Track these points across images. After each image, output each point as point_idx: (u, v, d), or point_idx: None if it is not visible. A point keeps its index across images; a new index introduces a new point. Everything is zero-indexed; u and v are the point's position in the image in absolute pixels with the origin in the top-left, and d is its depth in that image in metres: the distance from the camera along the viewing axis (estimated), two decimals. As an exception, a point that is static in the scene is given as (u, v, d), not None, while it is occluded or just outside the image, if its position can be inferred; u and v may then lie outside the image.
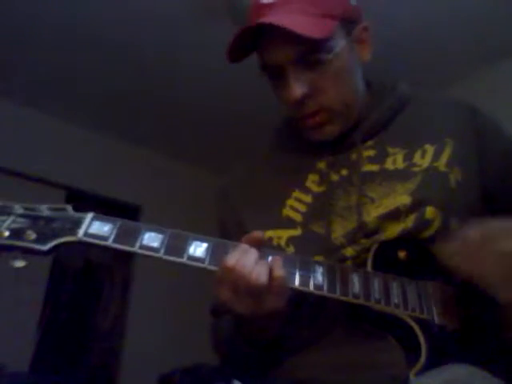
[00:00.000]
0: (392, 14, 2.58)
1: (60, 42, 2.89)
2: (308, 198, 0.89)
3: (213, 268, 0.70)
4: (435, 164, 0.88)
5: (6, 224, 0.62)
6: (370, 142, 0.92)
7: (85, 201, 3.46)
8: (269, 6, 0.84)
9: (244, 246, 0.71)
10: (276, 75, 0.87)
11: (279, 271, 0.69)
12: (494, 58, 2.87)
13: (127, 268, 3.62)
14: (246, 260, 0.68)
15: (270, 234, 0.88)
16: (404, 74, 2.52)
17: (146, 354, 3.24)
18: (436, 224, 0.82)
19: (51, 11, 2.67)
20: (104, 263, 3.64)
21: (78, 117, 3.54)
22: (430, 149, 0.90)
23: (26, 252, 0.62)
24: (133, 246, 0.68)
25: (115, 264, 3.66)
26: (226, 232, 0.97)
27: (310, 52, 0.83)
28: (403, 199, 0.84)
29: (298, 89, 0.84)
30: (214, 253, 0.70)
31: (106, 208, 3.47)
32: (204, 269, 0.70)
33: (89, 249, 3.58)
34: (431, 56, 2.89)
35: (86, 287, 3.37)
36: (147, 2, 2.62)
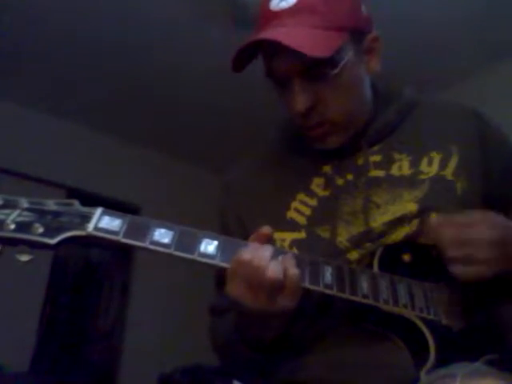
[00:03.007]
0: (391, 14, 2.58)
1: (60, 43, 2.89)
2: (313, 202, 0.89)
3: (224, 265, 0.69)
4: (442, 172, 0.88)
5: (11, 217, 0.61)
6: (375, 147, 0.91)
7: (85, 201, 3.44)
8: (277, 14, 0.81)
9: (257, 244, 0.71)
10: (281, 83, 0.86)
11: (294, 269, 0.69)
12: (494, 58, 2.87)
13: (127, 268, 3.61)
14: (263, 254, 0.68)
15: (273, 235, 0.88)
16: (404, 75, 2.52)
17: (146, 353, 3.23)
18: None
19: (51, 11, 2.66)
20: (104, 263, 3.64)
21: (79, 117, 3.53)
22: (436, 157, 0.90)
23: (33, 246, 0.61)
24: (143, 241, 0.67)
25: (115, 264, 3.66)
26: (226, 227, 0.97)
27: (316, 66, 0.81)
28: (410, 207, 0.84)
29: (302, 101, 0.82)
30: (225, 250, 0.70)
31: (105, 208, 3.45)
32: (211, 267, 0.70)
33: (89, 249, 3.58)
34: (431, 56, 2.89)
35: (85, 287, 3.37)
36: (147, 3, 2.62)
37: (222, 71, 3.29)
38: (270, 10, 0.83)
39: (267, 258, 0.67)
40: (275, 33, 0.79)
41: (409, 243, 0.82)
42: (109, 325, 3.48)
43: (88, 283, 3.41)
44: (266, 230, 0.73)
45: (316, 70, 0.81)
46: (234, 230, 0.94)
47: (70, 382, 3.11)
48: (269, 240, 0.73)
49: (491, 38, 2.73)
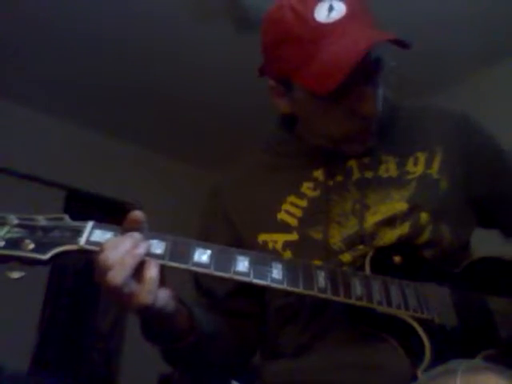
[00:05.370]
0: (391, 14, 2.57)
1: (60, 42, 2.89)
2: (303, 203, 0.90)
3: (219, 274, 0.69)
4: (428, 171, 0.90)
5: (1, 234, 0.60)
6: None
7: (84, 201, 3.45)
8: (336, 23, 0.80)
9: (114, 242, 0.65)
10: (342, 95, 0.82)
11: (150, 272, 0.65)
12: (493, 58, 2.86)
13: (127, 268, 3.61)
14: (111, 254, 0.64)
15: (264, 237, 0.89)
16: (404, 75, 2.52)
17: (146, 353, 3.22)
18: (428, 229, 0.85)
19: (51, 11, 2.66)
20: (104, 263, 3.63)
21: (78, 117, 3.53)
22: (421, 156, 0.92)
23: (25, 262, 0.61)
24: None
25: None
26: (209, 230, 0.97)
27: (379, 66, 0.83)
28: (400, 206, 0.86)
29: (375, 103, 0.83)
30: (219, 259, 0.70)
31: (105, 208, 3.46)
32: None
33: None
34: (431, 56, 2.88)
35: (85, 287, 3.37)
36: (148, 2, 2.61)
37: (222, 71, 3.28)
38: (321, 23, 0.80)
39: (113, 260, 0.63)
40: (368, 35, 0.80)
41: (399, 245, 0.84)
42: (109, 325, 3.48)
43: (88, 284, 3.40)
44: (134, 215, 0.68)
45: (378, 69, 0.83)
46: (220, 232, 0.94)
47: (70, 383, 3.12)
48: (138, 224, 0.68)
49: (489, 38, 2.72)
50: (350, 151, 0.90)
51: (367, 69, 0.81)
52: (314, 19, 0.81)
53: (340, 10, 0.80)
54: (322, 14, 0.80)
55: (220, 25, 2.61)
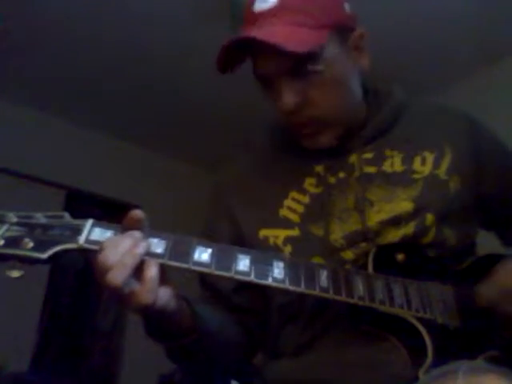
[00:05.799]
0: (391, 14, 2.57)
1: (60, 42, 2.89)
2: (305, 199, 0.89)
3: (219, 273, 0.68)
4: (436, 172, 0.89)
5: (0, 232, 0.60)
6: (368, 147, 0.92)
7: (84, 201, 3.45)
8: (259, 15, 0.81)
9: (113, 241, 0.65)
10: (268, 84, 0.85)
11: (151, 272, 0.65)
12: (494, 58, 2.86)
13: (127, 268, 3.61)
14: (110, 255, 0.63)
15: (265, 232, 0.89)
16: (404, 75, 2.52)
17: (146, 354, 3.22)
18: (432, 231, 0.84)
19: (51, 11, 2.66)
20: (104, 263, 3.63)
21: (78, 117, 3.53)
22: (429, 156, 0.90)
23: (24, 261, 0.60)
24: None
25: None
26: (213, 227, 0.97)
27: (301, 63, 0.80)
28: (406, 205, 0.85)
29: (289, 100, 0.82)
30: (219, 258, 0.69)
31: (105, 208, 3.46)
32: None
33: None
34: (431, 56, 2.88)
35: (86, 287, 3.37)
36: (148, 2, 2.61)
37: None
38: (252, 12, 0.83)
39: (112, 261, 0.62)
40: (254, 32, 0.80)
41: (402, 243, 0.83)
42: (109, 325, 3.48)
43: (88, 283, 3.41)
44: (133, 213, 0.67)
45: (301, 67, 0.81)
46: (224, 229, 0.94)
47: (70, 383, 3.12)
48: (139, 223, 0.67)
49: (489, 38, 2.72)
50: (305, 146, 0.90)
51: (282, 63, 0.80)
52: (250, 8, 0.83)
53: (270, 2, 0.81)
54: (257, 4, 0.82)
55: (220, 25, 2.61)
